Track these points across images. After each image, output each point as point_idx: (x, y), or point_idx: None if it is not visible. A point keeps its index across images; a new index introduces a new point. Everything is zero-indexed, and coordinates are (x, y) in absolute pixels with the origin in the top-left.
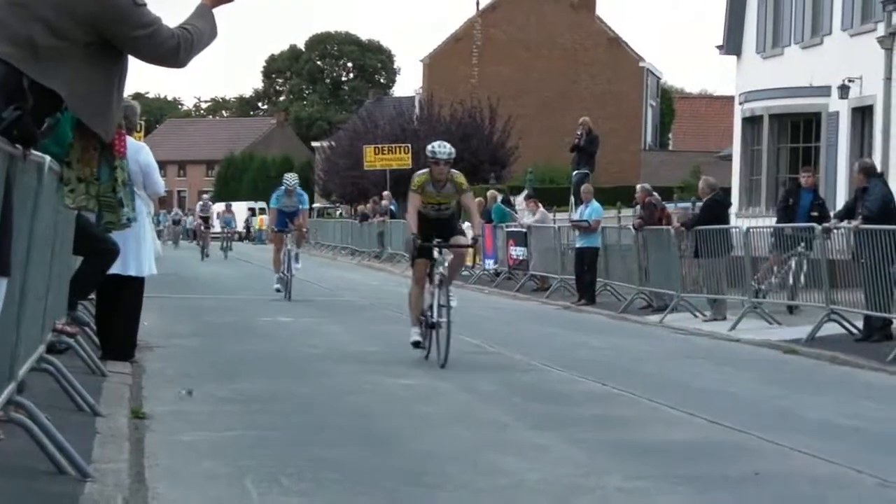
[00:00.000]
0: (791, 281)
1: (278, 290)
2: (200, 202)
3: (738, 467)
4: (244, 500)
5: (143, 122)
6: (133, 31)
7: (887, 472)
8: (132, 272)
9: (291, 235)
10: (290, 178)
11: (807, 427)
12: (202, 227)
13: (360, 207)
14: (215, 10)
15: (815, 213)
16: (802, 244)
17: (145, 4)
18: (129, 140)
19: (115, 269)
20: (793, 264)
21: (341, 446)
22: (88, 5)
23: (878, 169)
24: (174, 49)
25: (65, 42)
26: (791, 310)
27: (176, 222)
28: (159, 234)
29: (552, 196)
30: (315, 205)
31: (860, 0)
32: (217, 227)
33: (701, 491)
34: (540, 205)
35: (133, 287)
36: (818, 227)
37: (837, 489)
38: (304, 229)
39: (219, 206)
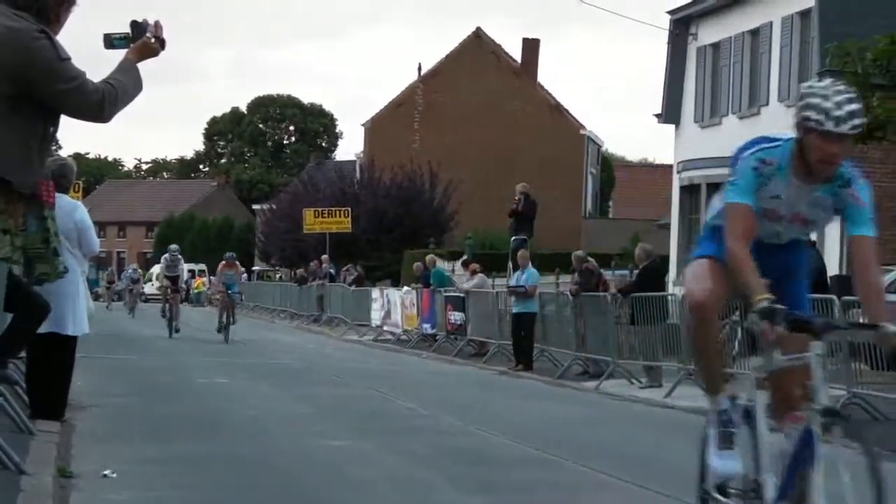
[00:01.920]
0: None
1: None
2: (167, 254)
3: None
4: None
5: (80, 183)
6: (57, 85)
7: None
8: (64, 330)
9: None
10: None
11: None
12: (170, 291)
13: (300, 271)
14: (140, 65)
15: None
16: (736, 312)
17: (69, 59)
18: (65, 198)
19: (46, 328)
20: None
21: None
22: (12, 58)
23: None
24: (98, 103)
25: None
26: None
27: (135, 281)
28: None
29: (492, 261)
30: (255, 268)
31: (797, 71)
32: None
33: None
34: (478, 269)
35: (65, 346)
36: None
37: None
38: None
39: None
